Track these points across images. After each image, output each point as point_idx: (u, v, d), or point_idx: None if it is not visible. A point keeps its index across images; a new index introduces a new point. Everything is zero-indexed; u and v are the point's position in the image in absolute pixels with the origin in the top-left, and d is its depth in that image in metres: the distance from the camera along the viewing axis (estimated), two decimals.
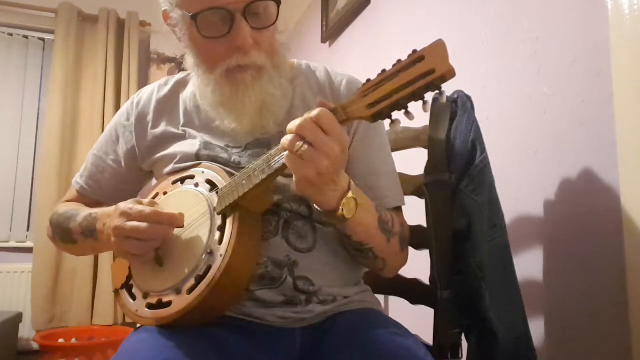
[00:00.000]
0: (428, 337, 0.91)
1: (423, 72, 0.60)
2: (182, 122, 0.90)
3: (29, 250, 2.91)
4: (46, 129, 2.94)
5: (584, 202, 0.98)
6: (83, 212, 0.88)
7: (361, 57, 2.13)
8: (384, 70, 0.64)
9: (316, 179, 0.65)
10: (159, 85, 0.97)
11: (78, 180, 0.99)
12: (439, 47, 0.61)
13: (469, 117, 0.96)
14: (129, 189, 0.98)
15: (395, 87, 0.62)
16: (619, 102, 0.89)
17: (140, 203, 0.74)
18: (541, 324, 1.04)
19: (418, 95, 0.61)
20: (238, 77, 0.80)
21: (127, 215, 0.72)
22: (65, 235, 0.90)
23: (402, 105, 0.63)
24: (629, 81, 0.88)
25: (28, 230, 3.06)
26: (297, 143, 0.63)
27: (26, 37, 3.18)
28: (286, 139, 0.65)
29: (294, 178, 0.67)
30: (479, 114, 0.98)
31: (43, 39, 3.21)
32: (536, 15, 1.14)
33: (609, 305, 0.91)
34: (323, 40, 2.48)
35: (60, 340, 2.44)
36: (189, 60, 0.86)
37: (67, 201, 0.99)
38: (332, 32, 2.38)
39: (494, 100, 1.25)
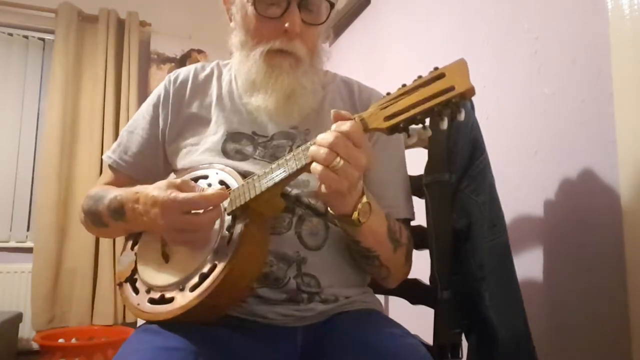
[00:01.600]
0: (428, 337, 0.91)
1: (443, 89, 0.60)
2: (213, 106, 0.91)
3: (29, 250, 2.90)
4: (46, 129, 2.94)
5: (584, 202, 0.98)
6: (110, 194, 0.86)
7: (361, 57, 2.13)
8: (404, 85, 0.64)
9: (347, 190, 0.66)
10: (195, 67, 0.98)
11: (110, 155, 0.96)
12: (460, 65, 0.61)
13: (469, 117, 0.96)
14: (159, 165, 0.95)
15: (414, 102, 0.62)
16: (619, 102, 0.89)
17: (176, 185, 0.72)
18: (541, 324, 1.04)
19: (437, 112, 0.61)
20: (277, 60, 0.84)
21: (173, 208, 0.69)
22: (95, 218, 0.89)
23: (419, 120, 0.63)
24: (629, 81, 0.88)
25: (28, 230, 3.06)
26: (336, 160, 0.63)
27: (26, 37, 3.17)
28: (320, 154, 0.64)
29: (322, 188, 0.67)
30: (479, 114, 0.99)
31: (43, 39, 3.20)
32: (536, 15, 1.14)
33: (609, 305, 0.91)
34: (323, 40, 2.48)
35: (60, 340, 2.43)
36: (234, 39, 0.89)
37: (104, 184, 0.97)
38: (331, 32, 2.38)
39: (494, 100, 1.25)
